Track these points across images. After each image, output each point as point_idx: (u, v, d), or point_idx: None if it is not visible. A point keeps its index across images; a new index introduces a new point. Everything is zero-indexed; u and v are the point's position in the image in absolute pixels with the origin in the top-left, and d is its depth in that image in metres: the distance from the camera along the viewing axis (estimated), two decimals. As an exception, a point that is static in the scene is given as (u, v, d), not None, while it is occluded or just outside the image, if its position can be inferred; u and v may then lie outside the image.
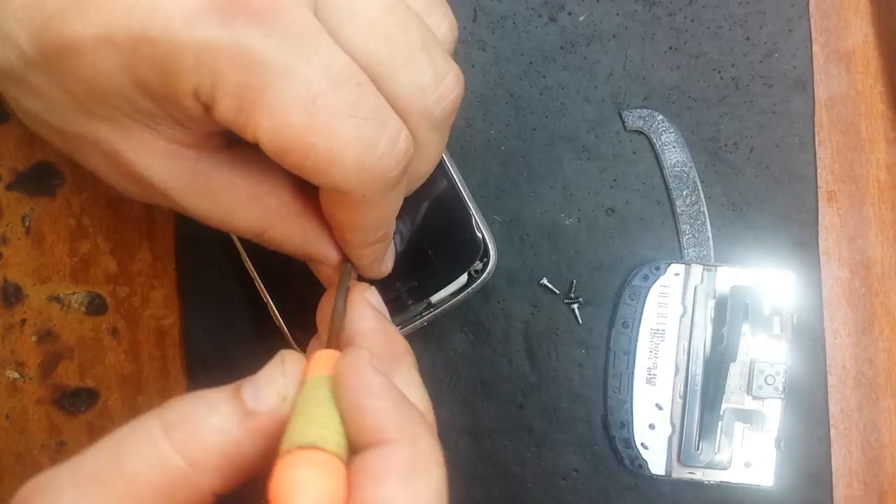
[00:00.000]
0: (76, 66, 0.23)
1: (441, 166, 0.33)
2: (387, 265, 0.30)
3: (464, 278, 0.33)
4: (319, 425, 0.21)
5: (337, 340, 0.26)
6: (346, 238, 0.28)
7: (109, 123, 0.24)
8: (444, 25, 0.26)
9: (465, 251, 0.33)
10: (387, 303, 0.33)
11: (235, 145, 0.26)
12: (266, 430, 0.22)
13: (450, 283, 0.33)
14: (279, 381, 0.23)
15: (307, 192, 0.27)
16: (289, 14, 0.22)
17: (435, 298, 0.33)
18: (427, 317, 0.33)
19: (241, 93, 0.22)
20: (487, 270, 0.33)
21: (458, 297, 0.33)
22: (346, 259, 0.29)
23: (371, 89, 0.23)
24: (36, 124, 0.26)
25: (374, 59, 0.24)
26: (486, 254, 0.33)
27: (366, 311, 0.27)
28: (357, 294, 0.28)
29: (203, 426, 0.22)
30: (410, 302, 0.33)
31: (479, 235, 0.33)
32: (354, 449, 0.22)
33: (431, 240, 0.33)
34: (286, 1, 0.22)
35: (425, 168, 0.27)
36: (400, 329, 0.33)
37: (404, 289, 0.33)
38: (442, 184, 0.33)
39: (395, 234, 0.31)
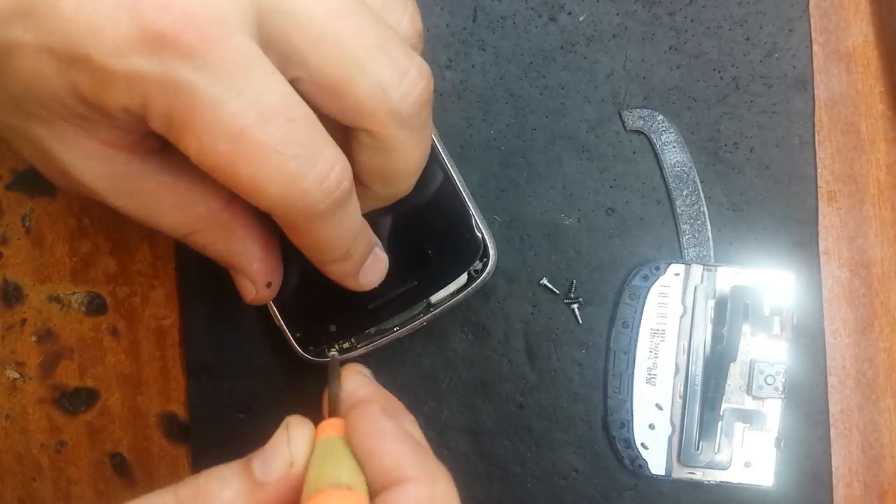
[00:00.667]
0: (13, 68, 0.23)
1: (441, 166, 0.33)
2: (367, 279, 0.30)
3: (463, 278, 0.33)
4: (344, 468, 0.22)
5: (337, 410, 0.26)
6: (307, 256, 0.28)
7: (43, 123, 0.25)
8: (404, 20, 0.26)
9: (465, 251, 0.33)
10: (386, 303, 0.33)
11: (168, 150, 0.26)
12: (276, 499, 0.23)
13: (449, 283, 0.33)
14: (284, 449, 0.23)
15: (239, 201, 0.28)
16: (221, 46, 0.22)
17: (434, 298, 0.33)
18: (427, 317, 0.33)
19: (170, 116, 0.23)
20: (487, 270, 0.33)
21: (458, 297, 0.33)
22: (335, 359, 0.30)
23: (304, 124, 0.23)
24: None
25: (329, 67, 0.24)
26: (485, 254, 0.33)
27: (360, 379, 0.28)
28: (350, 369, 0.28)
29: (215, 501, 0.22)
30: (410, 302, 0.33)
31: (479, 235, 0.33)
32: (374, 492, 0.22)
33: (431, 240, 0.33)
34: (219, 32, 0.22)
35: (410, 166, 0.27)
36: (399, 329, 0.33)
37: (404, 289, 0.33)
38: (442, 184, 0.33)
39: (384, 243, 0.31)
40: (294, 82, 0.24)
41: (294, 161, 0.23)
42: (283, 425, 0.24)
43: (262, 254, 0.30)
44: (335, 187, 0.24)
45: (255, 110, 0.22)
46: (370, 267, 0.30)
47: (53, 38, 0.22)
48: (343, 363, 0.29)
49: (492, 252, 0.33)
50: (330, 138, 0.24)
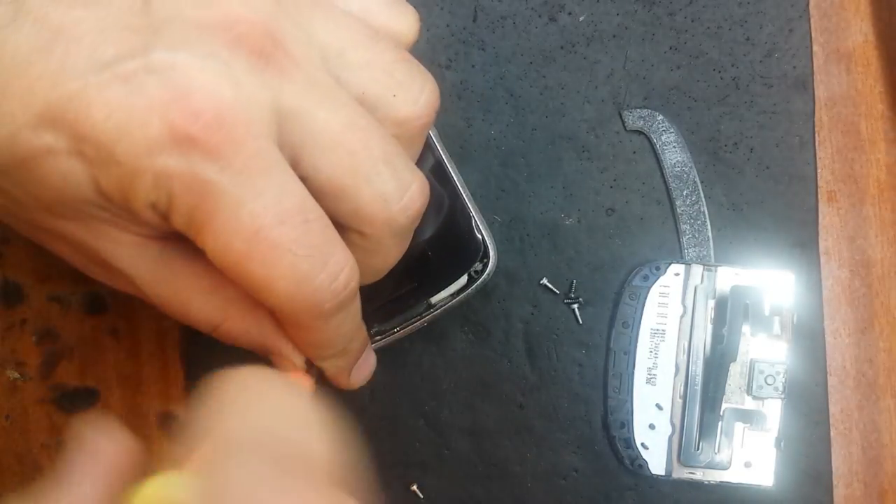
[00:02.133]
0: (43, 174, 0.23)
1: (441, 167, 0.33)
2: (358, 377, 0.31)
3: (464, 279, 0.33)
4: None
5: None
6: (302, 352, 0.29)
7: (75, 222, 0.25)
8: (420, 100, 0.27)
9: (465, 252, 0.33)
10: (387, 304, 0.33)
11: None
12: None
13: (450, 283, 0.33)
14: None
15: None
16: (246, 149, 0.23)
17: (435, 299, 0.33)
18: (427, 317, 0.33)
19: (191, 213, 0.23)
20: (487, 271, 0.33)
21: (458, 297, 0.33)
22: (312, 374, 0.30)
23: (317, 226, 0.24)
24: (1, 214, 0.27)
25: (338, 173, 0.25)
26: (485, 254, 0.33)
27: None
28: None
29: None
30: (410, 303, 0.33)
31: (479, 236, 0.33)
32: None
33: (431, 241, 0.33)
34: (244, 136, 0.23)
35: (383, 266, 0.28)
36: (400, 330, 0.33)
37: (404, 290, 0.33)
38: (441, 184, 0.33)
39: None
40: (301, 180, 0.25)
41: (306, 262, 0.24)
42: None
43: None
44: (343, 288, 0.25)
45: (273, 211, 0.23)
46: (362, 365, 0.31)
47: (84, 144, 0.23)
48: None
49: (492, 253, 0.33)
50: (340, 240, 0.25)
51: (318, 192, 0.25)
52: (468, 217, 0.33)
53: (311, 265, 0.24)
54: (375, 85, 0.26)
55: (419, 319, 0.33)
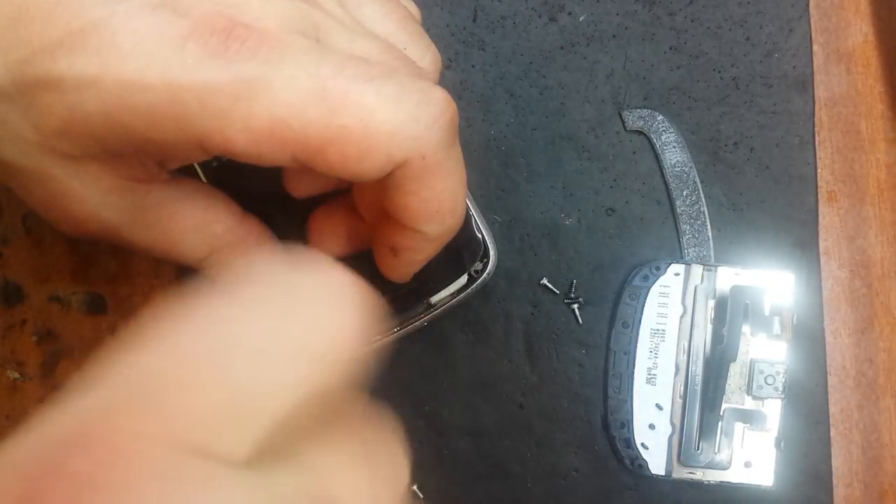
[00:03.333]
0: (52, 103, 0.22)
1: None
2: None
3: (464, 279, 0.33)
4: None
5: None
6: (415, 230, 0.26)
7: (66, 160, 0.24)
8: (427, 56, 0.27)
9: (465, 251, 0.33)
10: (387, 303, 0.33)
11: (181, 176, 0.27)
12: None
13: (450, 283, 0.33)
14: None
15: (251, 218, 0.28)
16: (282, 38, 0.22)
17: (435, 299, 0.33)
18: (427, 317, 0.33)
19: (252, 125, 0.22)
20: (487, 271, 0.33)
21: (458, 297, 0.33)
22: None
23: (377, 60, 0.23)
24: None
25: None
26: (485, 254, 0.33)
27: None
28: None
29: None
30: (410, 302, 0.33)
31: (479, 236, 0.33)
32: None
33: None
34: (277, 30, 0.22)
35: (451, 190, 0.25)
36: (400, 329, 0.33)
37: (404, 289, 0.33)
38: None
39: None
40: None
41: (387, 84, 0.22)
42: None
43: None
44: (443, 97, 0.23)
45: (326, 65, 0.22)
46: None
47: (104, 72, 0.22)
48: None
49: (492, 252, 0.33)
50: (412, 61, 0.25)
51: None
52: (468, 217, 0.33)
53: (396, 83, 0.23)
54: (390, 36, 0.26)
55: (419, 319, 0.33)
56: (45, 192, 0.26)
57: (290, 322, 0.17)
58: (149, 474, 0.14)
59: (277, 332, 0.17)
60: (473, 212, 0.33)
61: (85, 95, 0.22)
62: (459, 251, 0.33)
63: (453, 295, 0.33)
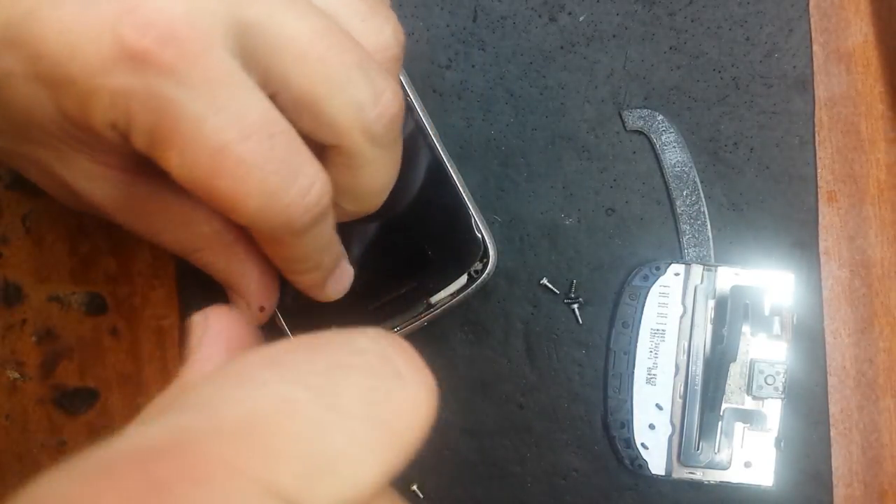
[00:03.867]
0: (9, 96, 0.23)
1: (441, 167, 0.33)
2: (334, 289, 0.31)
3: (463, 279, 0.33)
4: None
5: None
6: (278, 267, 0.28)
7: (45, 147, 0.25)
8: (386, 30, 0.27)
9: (465, 252, 0.33)
10: (387, 303, 0.33)
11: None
12: None
13: (450, 283, 0.33)
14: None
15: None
16: (202, 62, 0.22)
17: (434, 299, 0.33)
18: (427, 317, 0.33)
19: (152, 132, 0.23)
20: (487, 271, 0.33)
21: (458, 297, 0.33)
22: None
23: (284, 140, 0.24)
24: None
25: (308, 83, 0.24)
26: (485, 254, 0.33)
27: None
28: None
29: None
30: (410, 302, 0.33)
31: (479, 236, 0.33)
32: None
33: (431, 240, 0.33)
34: (199, 48, 0.22)
35: (378, 184, 0.28)
36: (400, 329, 0.33)
37: (404, 289, 0.33)
38: (441, 184, 0.33)
39: (358, 255, 0.32)
40: (271, 97, 0.24)
41: (275, 177, 0.23)
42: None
43: (259, 277, 0.30)
44: (315, 203, 0.24)
45: (236, 126, 0.23)
46: (338, 278, 0.31)
47: (39, 66, 0.23)
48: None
49: (492, 253, 0.33)
50: (311, 154, 0.25)
51: (291, 108, 0.25)
52: (468, 217, 0.33)
53: (280, 180, 0.23)
54: (342, 7, 0.26)
55: (419, 319, 0.33)
56: (37, 172, 0.27)
57: (389, 396, 0.18)
58: None
59: (378, 403, 0.18)
60: (473, 212, 0.33)
61: (33, 88, 0.23)
62: (459, 251, 0.33)
63: (453, 295, 0.33)
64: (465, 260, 0.33)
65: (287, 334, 0.33)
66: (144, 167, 0.26)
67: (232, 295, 0.30)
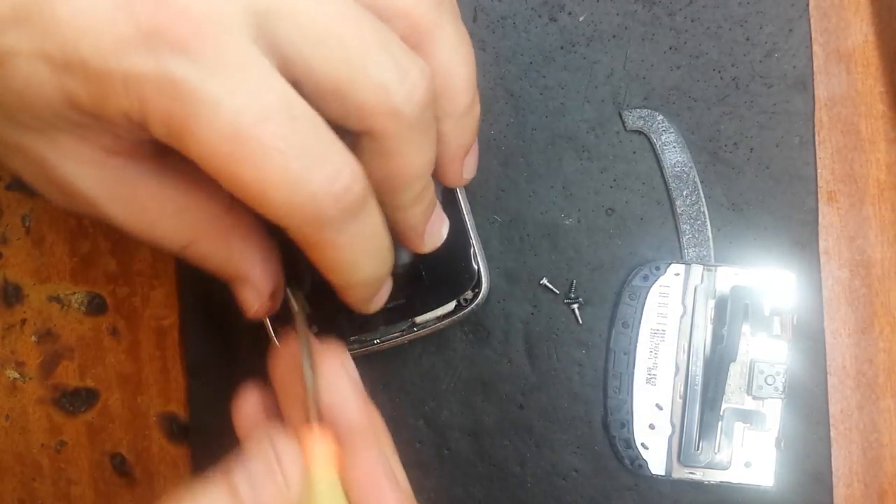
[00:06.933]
0: (7, 77, 0.23)
1: (451, 193, 0.32)
2: (376, 305, 0.30)
3: (452, 305, 0.33)
4: None
5: (318, 415, 0.24)
6: (329, 280, 0.27)
7: (37, 133, 0.24)
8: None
9: (458, 279, 0.32)
10: (372, 315, 0.32)
11: (167, 155, 0.26)
12: None
13: (437, 307, 0.32)
14: (277, 474, 0.22)
15: (239, 207, 0.27)
16: (217, 42, 0.22)
17: (420, 319, 0.33)
18: (409, 336, 0.33)
19: (169, 118, 0.22)
20: (476, 301, 0.32)
21: (443, 322, 0.33)
22: (297, 304, 0.28)
23: (307, 124, 0.23)
24: None
25: (331, 68, 0.23)
26: (478, 284, 0.32)
27: (347, 387, 0.26)
28: (334, 363, 0.27)
29: None
30: (395, 318, 0.32)
31: (475, 266, 0.32)
32: None
33: (427, 261, 0.32)
34: (215, 28, 0.22)
35: (413, 171, 0.26)
36: (380, 343, 0.33)
37: (391, 304, 0.32)
38: (447, 206, 0.32)
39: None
40: (295, 86, 0.23)
41: (297, 162, 0.22)
42: (266, 444, 0.23)
43: (263, 261, 0.29)
44: (345, 191, 0.23)
45: (253, 108, 0.22)
46: (382, 294, 0.29)
47: (49, 44, 0.22)
48: (309, 328, 0.27)
49: (484, 284, 0.32)
50: (339, 141, 0.24)
51: (316, 95, 0.24)
52: (468, 245, 0.32)
53: (304, 166, 0.22)
54: None
55: (401, 336, 0.33)
56: (23, 161, 0.26)
57: None
58: None
59: None
60: (474, 241, 0.32)
61: (36, 67, 0.22)
62: (453, 277, 0.32)
63: (439, 319, 0.33)
64: (457, 287, 0.32)
65: (269, 333, 0.33)
66: (137, 150, 0.26)
67: (238, 287, 0.29)
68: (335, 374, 0.26)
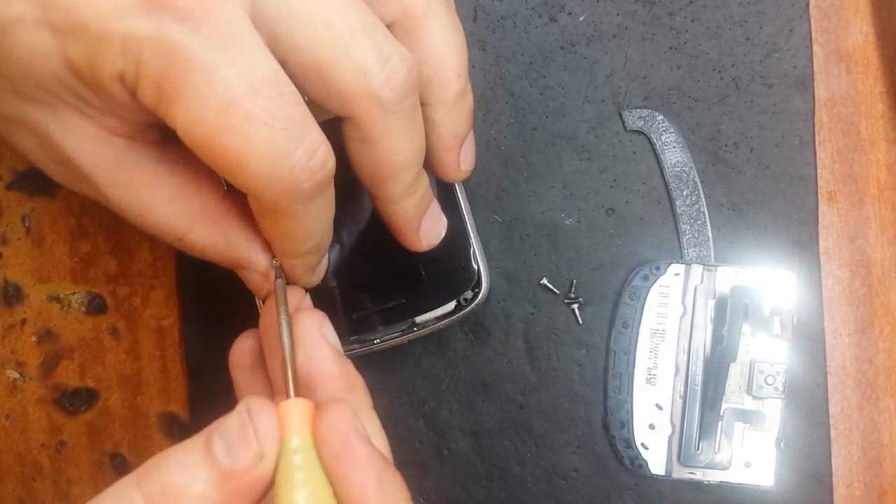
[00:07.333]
0: (12, 46, 0.23)
1: (450, 192, 0.32)
2: (318, 276, 0.30)
3: (451, 305, 0.32)
4: (318, 495, 0.22)
5: (296, 381, 0.25)
6: (275, 247, 0.28)
7: (41, 106, 0.25)
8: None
9: (458, 279, 0.32)
10: (371, 313, 0.32)
11: (169, 142, 0.26)
12: (245, 489, 0.22)
13: (437, 307, 0.32)
14: (252, 442, 0.23)
15: (237, 194, 0.27)
16: (217, 14, 0.22)
17: (420, 319, 0.32)
18: (408, 336, 0.32)
19: (161, 83, 0.23)
20: (476, 302, 0.32)
21: (443, 322, 0.32)
22: (277, 274, 0.28)
23: (293, 100, 0.24)
24: None
25: (314, 47, 0.24)
26: (478, 284, 0.32)
27: (326, 351, 0.27)
28: (312, 329, 0.27)
29: (185, 497, 0.22)
30: (395, 318, 0.32)
31: (475, 266, 0.32)
32: None
33: (427, 261, 0.32)
34: (216, 0, 0.22)
35: (397, 158, 0.27)
36: (379, 343, 0.33)
37: (391, 304, 0.32)
38: (448, 207, 0.32)
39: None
40: (281, 65, 0.24)
41: (282, 135, 0.23)
42: (243, 409, 0.23)
43: (264, 246, 0.29)
44: (321, 167, 0.24)
45: (246, 80, 0.23)
46: (323, 263, 0.30)
47: (53, 11, 0.22)
48: (286, 287, 0.28)
49: (484, 284, 0.32)
50: (314, 120, 0.24)
51: (299, 75, 0.24)
52: (468, 245, 0.32)
53: (288, 139, 0.23)
54: None
55: (400, 336, 0.32)
56: (27, 136, 0.26)
57: None
58: None
59: None
60: (474, 241, 0.32)
61: (39, 35, 0.23)
62: (453, 277, 0.32)
63: (439, 319, 0.32)
64: (457, 287, 0.32)
65: (259, 304, 0.32)
66: (139, 134, 0.26)
67: (244, 274, 0.29)
68: (313, 340, 0.27)
